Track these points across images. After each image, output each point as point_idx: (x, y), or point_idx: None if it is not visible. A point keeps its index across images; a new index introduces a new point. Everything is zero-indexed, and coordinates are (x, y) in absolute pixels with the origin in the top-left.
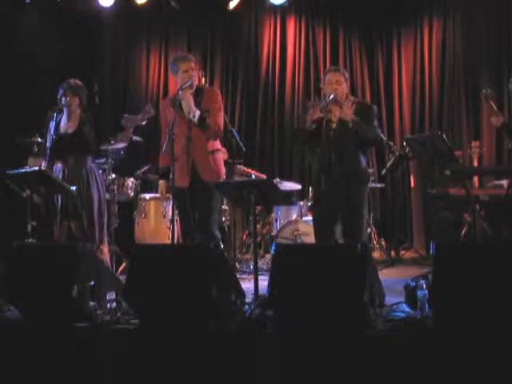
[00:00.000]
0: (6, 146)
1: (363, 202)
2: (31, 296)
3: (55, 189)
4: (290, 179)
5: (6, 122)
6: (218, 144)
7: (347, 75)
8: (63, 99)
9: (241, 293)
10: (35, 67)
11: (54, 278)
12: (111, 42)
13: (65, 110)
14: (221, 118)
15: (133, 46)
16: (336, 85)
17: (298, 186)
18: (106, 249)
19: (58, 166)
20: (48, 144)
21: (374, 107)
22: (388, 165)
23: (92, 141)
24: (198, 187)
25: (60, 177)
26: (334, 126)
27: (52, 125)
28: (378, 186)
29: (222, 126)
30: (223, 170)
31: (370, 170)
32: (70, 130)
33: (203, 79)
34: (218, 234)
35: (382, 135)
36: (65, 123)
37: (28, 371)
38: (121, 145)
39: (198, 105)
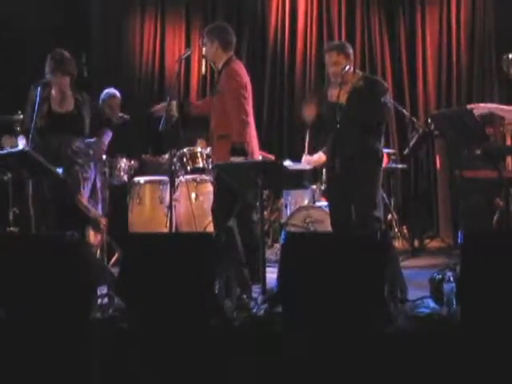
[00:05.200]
0: None
1: (374, 187)
2: (13, 291)
3: (39, 171)
4: (301, 160)
5: None
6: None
7: (349, 50)
8: (51, 77)
9: (247, 287)
10: (16, 38)
11: (39, 270)
12: (101, 7)
13: (54, 86)
14: (235, 104)
15: (125, 12)
16: (335, 66)
17: (309, 167)
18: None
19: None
20: (32, 122)
21: (381, 82)
22: (411, 144)
23: (87, 124)
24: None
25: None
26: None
27: (37, 101)
28: (400, 167)
29: (238, 114)
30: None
31: (390, 150)
32: (64, 110)
33: (204, 49)
34: (224, 222)
35: (385, 112)
36: (57, 101)
37: (15, 371)
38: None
39: (217, 86)
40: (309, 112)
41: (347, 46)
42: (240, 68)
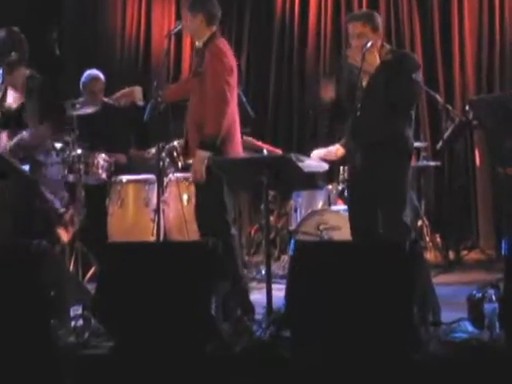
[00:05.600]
0: None
1: (403, 183)
2: None
3: (3, 168)
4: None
5: None
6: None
7: (377, 22)
8: None
9: (249, 306)
10: None
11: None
12: None
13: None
14: (216, 90)
15: None
16: (358, 39)
17: (324, 165)
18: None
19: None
20: None
21: (412, 56)
22: (445, 135)
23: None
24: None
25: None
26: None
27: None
28: (432, 164)
29: (216, 102)
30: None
31: (422, 144)
32: (15, 105)
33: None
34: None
35: (417, 91)
36: (11, 93)
37: None
38: (89, 110)
39: (199, 66)
40: (325, 93)
41: (375, 15)
42: (226, 47)
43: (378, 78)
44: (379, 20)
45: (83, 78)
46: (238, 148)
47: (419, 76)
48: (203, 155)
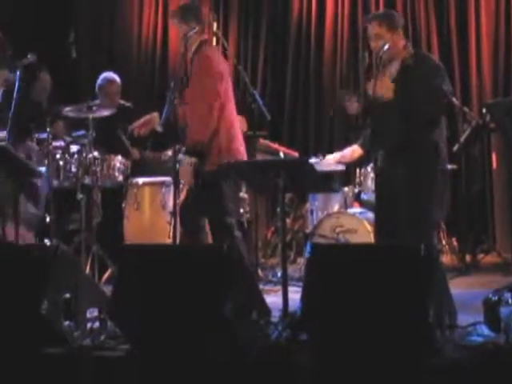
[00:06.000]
0: None
1: (422, 186)
2: None
3: (18, 170)
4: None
5: None
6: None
7: (395, 22)
8: None
9: (265, 309)
10: None
11: (14, 288)
12: None
13: None
14: (199, 95)
15: None
16: (375, 40)
17: (341, 167)
18: None
19: None
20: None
21: (432, 60)
22: (462, 139)
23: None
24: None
25: None
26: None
27: (16, 88)
28: (449, 167)
29: (198, 108)
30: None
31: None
32: None
33: (215, 24)
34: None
35: (440, 98)
36: None
37: None
38: (105, 112)
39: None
40: (350, 105)
41: (394, 15)
42: (215, 54)
43: (399, 83)
44: (398, 20)
45: (99, 81)
46: (240, 151)
47: (443, 80)
48: (188, 161)
